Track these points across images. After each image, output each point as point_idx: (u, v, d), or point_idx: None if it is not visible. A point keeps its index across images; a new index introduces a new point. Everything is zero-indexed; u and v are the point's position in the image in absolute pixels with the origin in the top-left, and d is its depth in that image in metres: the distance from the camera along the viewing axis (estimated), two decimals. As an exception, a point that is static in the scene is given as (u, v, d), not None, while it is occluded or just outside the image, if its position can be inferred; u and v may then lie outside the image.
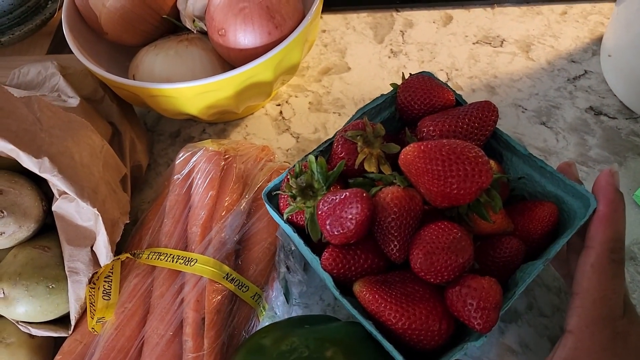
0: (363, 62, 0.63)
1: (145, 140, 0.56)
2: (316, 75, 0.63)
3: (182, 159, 0.46)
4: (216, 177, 0.44)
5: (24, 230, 0.41)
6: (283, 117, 0.59)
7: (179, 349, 0.38)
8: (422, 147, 0.37)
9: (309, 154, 0.41)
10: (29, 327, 0.41)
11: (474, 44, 0.64)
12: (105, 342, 0.38)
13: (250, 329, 0.41)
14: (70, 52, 0.52)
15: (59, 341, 0.43)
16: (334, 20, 0.68)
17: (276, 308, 0.44)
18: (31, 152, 0.37)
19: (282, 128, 0.59)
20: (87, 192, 0.39)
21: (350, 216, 0.36)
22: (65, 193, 0.41)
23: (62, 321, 0.43)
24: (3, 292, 0.39)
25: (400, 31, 0.66)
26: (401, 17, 0.67)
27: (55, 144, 0.39)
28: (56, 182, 0.38)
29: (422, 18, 0.67)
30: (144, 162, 0.54)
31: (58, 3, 0.65)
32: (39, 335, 0.42)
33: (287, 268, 0.43)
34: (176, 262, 0.40)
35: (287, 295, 0.42)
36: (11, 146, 0.36)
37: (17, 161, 0.42)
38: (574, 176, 0.40)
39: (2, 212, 0.39)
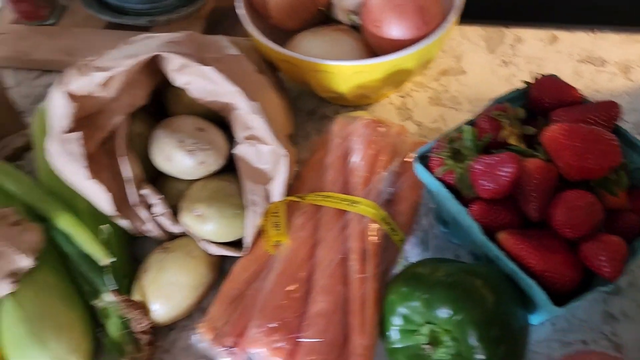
0: (477, 68, 0.71)
1: (292, 113, 0.64)
2: (435, 75, 0.71)
3: (338, 125, 0.55)
4: (373, 139, 0.52)
5: (216, 164, 0.50)
6: (406, 107, 0.67)
7: (345, 271, 0.45)
8: (565, 127, 0.44)
9: (460, 125, 0.49)
10: (208, 246, 0.49)
11: (577, 61, 0.71)
12: (283, 259, 0.46)
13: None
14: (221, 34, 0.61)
15: (225, 264, 0.51)
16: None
17: (411, 258, 0.51)
18: (247, 96, 0.45)
19: (404, 116, 0.67)
20: (279, 137, 0.48)
21: (504, 174, 0.43)
22: (249, 138, 0.49)
23: (234, 245, 0.51)
24: (201, 211, 0.48)
25: (510, 45, 0.74)
26: (511, 33, 0.75)
27: (255, 95, 0.48)
28: (260, 124, 0.46)
29: (530, 35, 0.75)
30: (291, 131, 0.62)
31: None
32: (215, 253, 0.50)
33: (427, 223, 0.50)
34: (342, 203, 0.48)
35: (426, 244, 0.50)
36: (236, 88, 0.44)
37: (205, 110, 0.51)
38: None
39: (208, 145, 0.48)
